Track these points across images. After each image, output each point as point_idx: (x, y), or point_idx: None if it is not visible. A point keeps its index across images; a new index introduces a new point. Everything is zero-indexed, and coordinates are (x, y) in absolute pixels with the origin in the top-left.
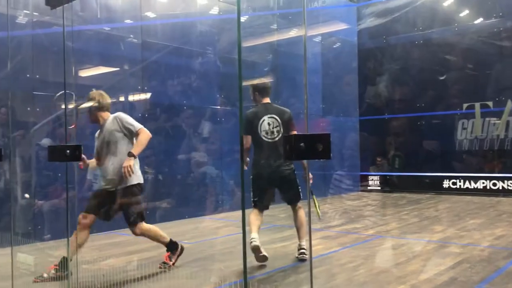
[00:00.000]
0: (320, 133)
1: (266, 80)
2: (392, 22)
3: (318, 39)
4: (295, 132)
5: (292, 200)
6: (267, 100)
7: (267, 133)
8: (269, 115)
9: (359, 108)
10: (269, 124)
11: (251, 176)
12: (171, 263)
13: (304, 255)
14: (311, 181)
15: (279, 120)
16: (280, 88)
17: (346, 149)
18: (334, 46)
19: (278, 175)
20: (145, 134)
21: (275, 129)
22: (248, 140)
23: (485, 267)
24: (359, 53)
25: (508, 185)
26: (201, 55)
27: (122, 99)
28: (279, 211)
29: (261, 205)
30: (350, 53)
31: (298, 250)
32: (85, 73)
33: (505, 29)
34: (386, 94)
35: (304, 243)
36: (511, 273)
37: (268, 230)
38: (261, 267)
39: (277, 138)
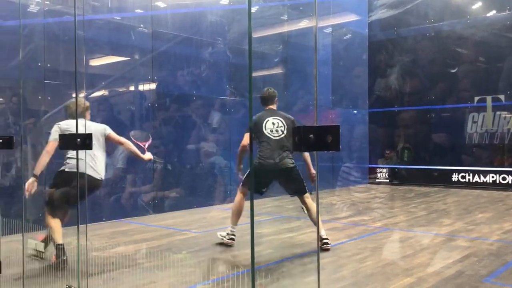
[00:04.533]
0: (329, 125)
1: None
2: (403, 14)
3: (328, 30)
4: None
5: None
6: (272, 107)
7: (271, 131)
8: (274, 117)
9: (368, 100)
10: (273, 124)
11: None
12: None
13: (327, 245)
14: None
15: (283, 122)
16: (290, 80)
17: (355, 141)
18: (345, 38)
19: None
20: None
21: (279, 129)
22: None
23: (493, 261)
24: (370, 45)
25: None
26: (211, 45)
27: (132, 88)
28: (286, 202)
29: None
30: (360, 45)
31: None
32: (95, 62)
33: None
34: (396, 87)
35: (323, 233)
36: None
37: (275, 221)
38: (269, 257)
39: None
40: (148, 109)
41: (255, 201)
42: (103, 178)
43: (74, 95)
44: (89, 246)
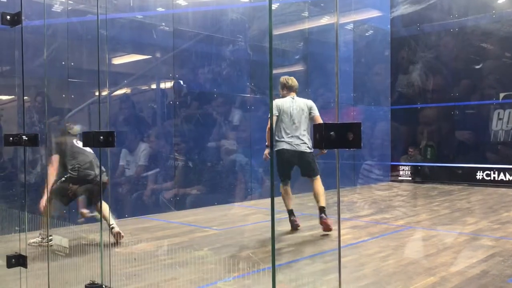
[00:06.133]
0: (350, 122)
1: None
2: (426, 9)
3: (350, 26)
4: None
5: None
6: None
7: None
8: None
9: (391, 97)
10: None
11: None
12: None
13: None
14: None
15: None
16: (311, 77)
17: (377, 139)
18: (367, 34)
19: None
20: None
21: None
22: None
23: None
24: (392, 41)
25: None
26: (232, 43)
27: (154, 86)
28: (308, 199)
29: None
30: (382, 41)
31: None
32: (118, 60)
33: None
34: (419, 83)
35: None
36: None
37: None
38: (290, 254)
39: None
40: (170, 107)
41: (275, 199)
42: (306, 150)
43: (97, 93)
44: (112, 242)
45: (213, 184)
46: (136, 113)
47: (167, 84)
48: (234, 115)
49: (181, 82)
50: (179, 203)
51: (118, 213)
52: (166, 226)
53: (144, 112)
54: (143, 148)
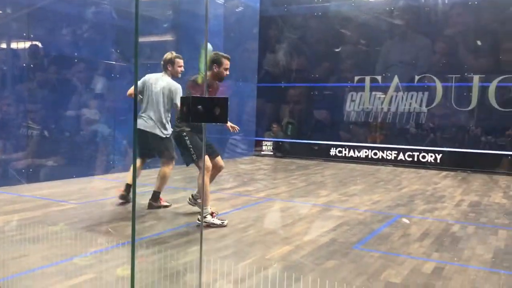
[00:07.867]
0: (218, 97)
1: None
2: None
3: (221, 1)
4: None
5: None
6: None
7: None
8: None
9: (258, 75)
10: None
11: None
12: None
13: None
14: None
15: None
16: (181, 49)
17: (243, 114)
18: (237, 10)
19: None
20: None
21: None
22: None
23: (362, 229)
24: (261, 19)
25: (387, 155)
26: (94, 5)
27: (4, 46)
28: (173, 173)
29: None
30: (252, 19)
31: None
32: None
33: (397, 7)
34: (284, 63)
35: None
36: (383, 235)
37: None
38: (152, 228)
39: None
40: (23, 69)
41: (142, 172)
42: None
43: None
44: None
45: (72, 155)
46: None
47: (20, 45)
48: (97, 82)
49: (36, 43)
50: (32, 175)
51: None
52: (17, 200)
53: None
54: None
